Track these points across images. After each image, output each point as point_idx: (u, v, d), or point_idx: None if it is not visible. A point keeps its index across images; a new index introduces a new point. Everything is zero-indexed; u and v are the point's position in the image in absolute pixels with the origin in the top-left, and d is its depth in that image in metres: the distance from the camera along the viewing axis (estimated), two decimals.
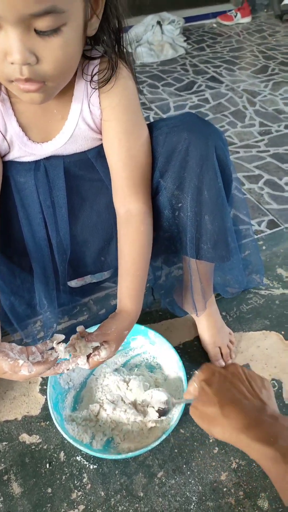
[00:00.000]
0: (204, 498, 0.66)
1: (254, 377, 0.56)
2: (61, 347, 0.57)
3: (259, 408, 0.50)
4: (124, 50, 0.64)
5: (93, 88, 0.63)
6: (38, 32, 0.48)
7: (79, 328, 0.61)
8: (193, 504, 0.65)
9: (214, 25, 2.62)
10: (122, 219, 0.69)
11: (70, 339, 0.60)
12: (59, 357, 0.56)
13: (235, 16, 2.62)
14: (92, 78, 0.62)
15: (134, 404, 0.75)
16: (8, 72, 0.51)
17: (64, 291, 0.87)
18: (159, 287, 0.96)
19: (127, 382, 0.77)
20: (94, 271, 0.88)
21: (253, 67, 2.08)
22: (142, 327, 0.82)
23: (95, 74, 0.62)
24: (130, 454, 0.66)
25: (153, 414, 0.72)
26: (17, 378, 0.53)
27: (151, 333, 0.81)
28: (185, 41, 2.30)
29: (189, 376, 0.82)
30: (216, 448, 0.72)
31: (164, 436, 0.67)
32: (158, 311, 0.95)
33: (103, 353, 0.60)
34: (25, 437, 0.73)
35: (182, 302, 0.88)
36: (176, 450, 0.71)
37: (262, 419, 0.48)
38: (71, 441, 0.66)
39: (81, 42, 0.55)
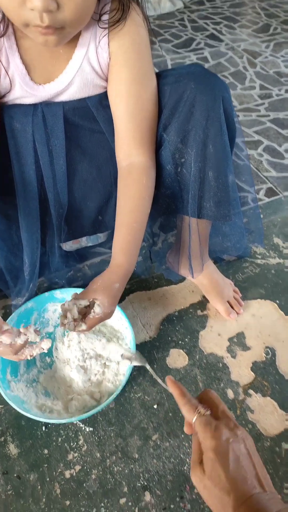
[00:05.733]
0: None
1: (258, 459, 0.46)
2: (31, 329, 0.56)
3: (271, 503, 0.42)
4: None
5: (101, 28, 0.60)
6: None
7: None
8: (186, 465, 0.67)
9: None
10: (124, 172, 0.67)
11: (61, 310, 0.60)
12: (29, 340, 0.55)
13: None
14: (100, 17, 0.59)
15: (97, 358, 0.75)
16: (27, 18, 0.50)
17: (59, 254, 0.85)
18: (155, 254, 0.94)
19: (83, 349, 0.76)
20: (91, 232, 0.85)
21: (254, 25, 1.98)
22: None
23: (104, 13, 0.59)
24: (81, 416, 0.65)
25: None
26: None
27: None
28: None
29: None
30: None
31: (114, 395, 0.66)
32: (154, 278, 0.94)
33: (97, 309, 0.59)
34: None
35: (178, 267, 0.87)
36: (170, 414, 0.73)
37: None
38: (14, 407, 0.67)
39: None
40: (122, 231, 0.64)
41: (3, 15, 0.57)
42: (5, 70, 0.61)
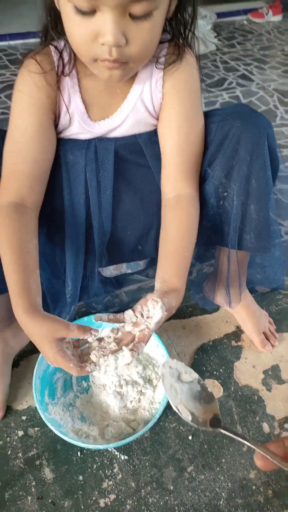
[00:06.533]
0: (233, 494, 0.66)
1: None
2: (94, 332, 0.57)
3: None
4: (191, 38, 0.65)
5: (158, 68, 0.65)
6: (132, 16, 0.51)
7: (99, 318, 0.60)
8: (222, 500, 0.66)
9: (245, 22, 2.59)
10: (171, 203, 0.69)
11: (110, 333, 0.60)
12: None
13: (266, 14, 2.58)
14: (158, 60, 0.64)
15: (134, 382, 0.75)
16: (97, 52, 0.54)
17: (98, 280, 0.87)
18: (190, 283, 0.96)
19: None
20: (129, 259, 0.88)
21: (283, 67, 2.05)
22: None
23: (161, 56, 0.64)
24: (116, 444, 0.65)
25: None
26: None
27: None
28: (215, 37, 2.28)
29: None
30: (245, 446, 0.72)
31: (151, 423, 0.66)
32: (188, 307, 0.95)
33: (152, 325, 0.57)
34: None
35: (213, 295, 0.88)
36: (206, 446, 0.72)
37: None
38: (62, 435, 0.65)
39: (163, 25, 0.57)
40: (173, 258, 0.64)
41: (70, 57, 0.63)
42: (67, 108, 0.66)
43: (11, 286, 0.58)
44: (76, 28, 0.53)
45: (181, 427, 0.74)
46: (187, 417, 0.49)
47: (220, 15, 2.53)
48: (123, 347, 0.58)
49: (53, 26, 0.62)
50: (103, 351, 0.58)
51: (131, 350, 0.57)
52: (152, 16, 0.52)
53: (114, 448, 0.71)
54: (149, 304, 0.58)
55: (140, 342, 0.57)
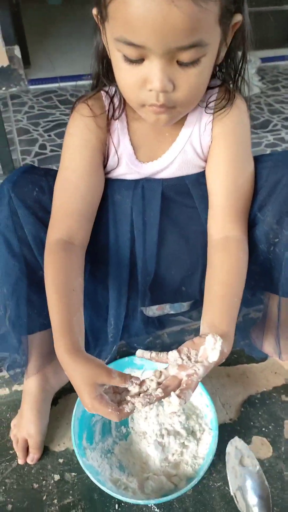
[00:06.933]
0: None
1: None
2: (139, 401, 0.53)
3: None
4: (242, 83, 0.65)
5: (207, 113, 0.65)
6: (179, 63, 0.51)
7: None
8: None
9: None
10: (219, 245, 0.67)
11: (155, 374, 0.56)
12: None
13: None
14: (207, 104, 0.64)
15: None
16: (144, 98, 0.55)
17: (140, 319, 0.85)
18: (235, 327, 0.92)
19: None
20: (173, 300, 0.85)
21: None
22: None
23: (211, 101, 0.64)
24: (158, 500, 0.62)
25: None
26: None
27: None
28: (259, 80, 2.32)
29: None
30: None
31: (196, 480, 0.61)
32: (233, 353, 0.90)
33: (201, 371, 0.54)
34: None
35: (261, 343, 0.84)
36: None
37: None
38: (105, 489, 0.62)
39: (211, 71, 0.57)
40: (223, 303, 0.61)
41: (120, 101, 0.64)
42: (115, 150, 0.67)
43: (54, 324, 0.57)
44: (124, 75, 0.55)
45: (226, 488, 0.68)
46: (242, 508, 0.49)
47: (264, 60, 2.59)
48: (171, 393, 0.54)
49: (104, 74, 0.64)
50: (149, 399, 0.54)
51: (178, 396, 0.52)
52: (200, 63, 0.52)
53: (154, 504, 0.66)
54: (208, 339, 0.54)
55: (188, 389, 0.53)
